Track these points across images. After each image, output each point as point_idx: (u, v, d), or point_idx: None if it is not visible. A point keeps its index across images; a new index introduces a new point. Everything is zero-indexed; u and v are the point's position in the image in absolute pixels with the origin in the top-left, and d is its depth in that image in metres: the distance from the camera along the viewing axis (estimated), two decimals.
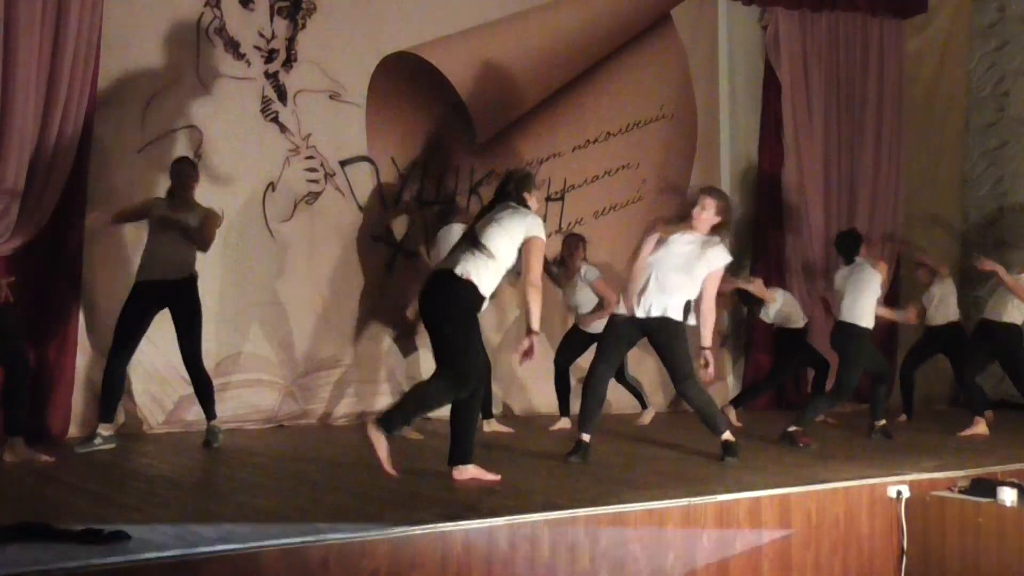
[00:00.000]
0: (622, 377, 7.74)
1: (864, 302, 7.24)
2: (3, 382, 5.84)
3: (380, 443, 5.02)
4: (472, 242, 5.24)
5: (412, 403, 5.17)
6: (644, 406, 8.05)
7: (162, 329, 6.59)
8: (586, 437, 6.10)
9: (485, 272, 5.18)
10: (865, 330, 7.23)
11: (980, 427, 7.78)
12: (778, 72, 9.47)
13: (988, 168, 10.34)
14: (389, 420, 5.07)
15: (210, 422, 6.49)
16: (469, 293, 5.14)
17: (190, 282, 6.44)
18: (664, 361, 6.25)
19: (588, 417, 6.17)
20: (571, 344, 7.84)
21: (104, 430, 6.26)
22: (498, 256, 5.20)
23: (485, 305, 5.24)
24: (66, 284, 6.65)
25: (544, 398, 8.32)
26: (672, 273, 6.07)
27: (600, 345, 6.41)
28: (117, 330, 6.38)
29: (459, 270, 5.15)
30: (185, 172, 6.52)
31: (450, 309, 5.15)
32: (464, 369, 5.10)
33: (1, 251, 6.30)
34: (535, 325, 5.19)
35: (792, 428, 6.97)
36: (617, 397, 7.96)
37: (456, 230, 6.67)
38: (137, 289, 6.41)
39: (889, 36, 9.98)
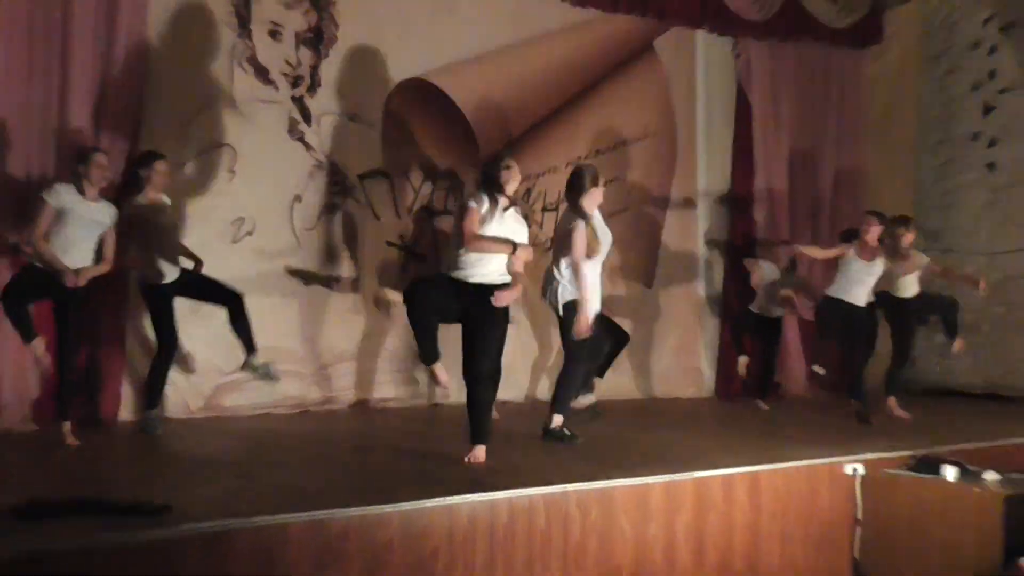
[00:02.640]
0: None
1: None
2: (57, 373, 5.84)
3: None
4: None
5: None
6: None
7: (196, 320, 6.68)
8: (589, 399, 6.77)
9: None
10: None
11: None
12: (749, 96, 9.48)
13: (936, 182, 10.36)
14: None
15: (249, 355, 6.37)
16: None
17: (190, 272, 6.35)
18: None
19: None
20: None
21: (156, 415, 6.29)
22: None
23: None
24: (118, 284, 6.64)
25: (544, 385, 8.33)
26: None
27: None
28: (165, 326, 6.39)
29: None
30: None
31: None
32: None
33: None
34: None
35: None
36: (609, 383, 7.90)
37: None
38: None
39: (849, 64, 10.00)
